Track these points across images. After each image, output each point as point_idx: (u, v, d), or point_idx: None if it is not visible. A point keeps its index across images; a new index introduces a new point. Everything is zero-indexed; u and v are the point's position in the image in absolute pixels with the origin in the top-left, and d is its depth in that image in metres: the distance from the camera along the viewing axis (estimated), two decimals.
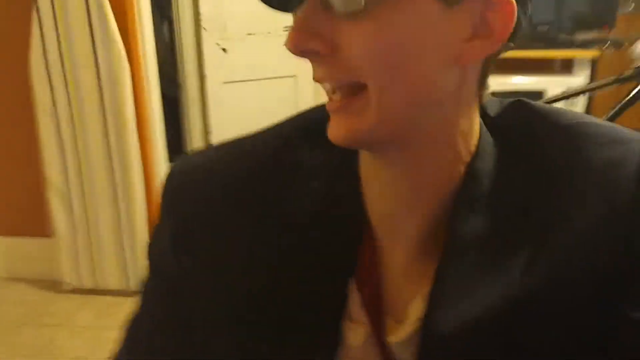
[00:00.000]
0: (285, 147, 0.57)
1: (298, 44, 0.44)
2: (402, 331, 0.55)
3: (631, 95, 2.55)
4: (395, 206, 0.54)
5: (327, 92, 0.48)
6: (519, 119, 0.56)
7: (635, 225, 0.49)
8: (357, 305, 0.55)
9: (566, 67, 3.80)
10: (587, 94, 2.89)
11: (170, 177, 0.59)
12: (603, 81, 2.63)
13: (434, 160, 0.51)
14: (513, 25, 0.45)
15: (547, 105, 0.57)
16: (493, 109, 0.57)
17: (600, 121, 0.55)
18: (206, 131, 3.16)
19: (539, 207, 0.51)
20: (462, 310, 0.50)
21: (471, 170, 0.52)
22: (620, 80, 2.55)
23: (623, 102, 2.58)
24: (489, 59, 0.48)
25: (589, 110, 3.28)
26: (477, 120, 0.53)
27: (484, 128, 0.55)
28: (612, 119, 2.59)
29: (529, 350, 0.50)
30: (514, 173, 0.53)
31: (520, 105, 0.57)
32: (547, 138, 0.54)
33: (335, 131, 0.48)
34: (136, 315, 0.64)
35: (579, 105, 3.41)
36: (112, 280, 2.43)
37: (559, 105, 3.45)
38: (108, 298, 2.42)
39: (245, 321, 0.56)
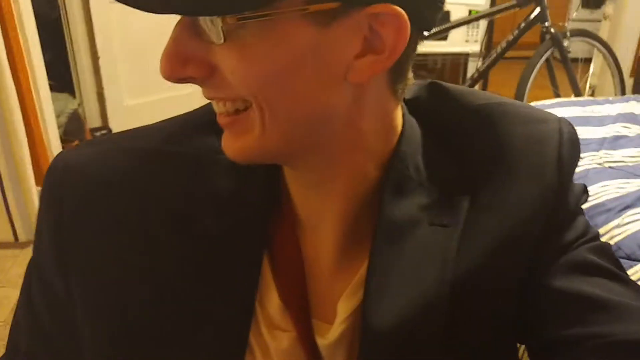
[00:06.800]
0: (192, 137, 0.53)
1: (172, 74, 0.41)
2: (334, 331, 0.51)
3: (531, 17, 2.61)
4: (312, 195, 0.51)
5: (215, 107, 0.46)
6: (433, 102, 0.55)
7: (560, 202, 0.51)
8: (278, 311, 0.51)
9: None
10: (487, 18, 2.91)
11: (52, 171, 0.52)
12: (504, 5, 2.67)
13: (345, 161, 0.49)
14: (406, 38, 0.42)
15: (460, 87, 0.56)
16: (409, 92, 0.56)
17: (515, 101, 0.56)
18: (94, 56, 2.91)
19: (470, 186, 0.51)
20: (398, 299, 0.49)
21: (397, 154, 0.51)
22: (520, 4, 2.59)
23: (523, 24, 2.64)
24: (401, 62, 0.44)
25: (490, 31, 3.32)
26: (396, 113, 0.51)
27: (406, 111, 0.53)
28: (513, 42, 2.65)
29: (464, 333, 0.50)
30: (440, 154, 0.52)
31: (433, 88, 0.56)
32: (460, 119, 0.54)
33: (227, 147, 0.46)
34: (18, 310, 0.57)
35: (480, 28, 3.46)
36: None
37: (463, 28, 3.49)
38: None
39: (139, 328, 0.50)
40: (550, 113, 0.55)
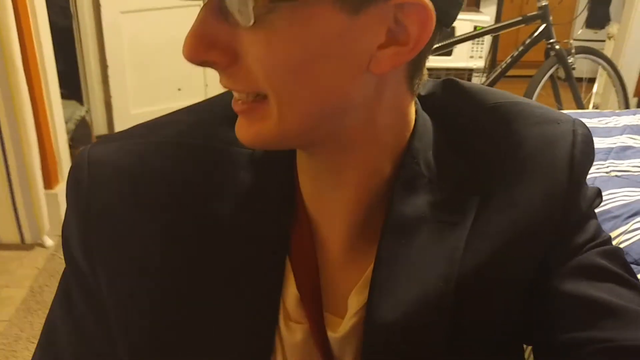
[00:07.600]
0: (210, 129, 0.53)
1: (196, 56, 0.41)
2: (344, 325, 0.51)
3: (536, 33, 2.64)
4: (324, 186, 0.51)
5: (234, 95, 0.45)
6: (447, 98, 0.55)
7: (570, 203, 0.51)
8: (295, 303, 0.51)
9: (473, 4, 3.87)
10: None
11: (78, 166, 0.51)
12: (510, 21, 2.70)
13: (359, 153, 0.49)
14: (431, 31, 0.41)
15: (477, 85, 0.56)
16: (424, 88, 0.56)
17: (530, 101, 0.55)
18: (103, 65, 2.94)
19: (480, 185, 0.51)
20: (403, 295, 0.49)
21: (409, 150, 0.50)
22: (525, 20, 2.63)
23: (528, 40, 2.67)
24: (420, 56, 0.44)
25: (494, 47, 3.35)
26: (411, 108, 0.51)
27: (420, 107, 0.53)
28: (518, 57, 2.68)
29: (470, 331, 0.50)
30: (452, 152, 0.52)
31: (449, 84, 0.56)
32: (475, 117, 0.54)
33: (241, 133, 0.46)
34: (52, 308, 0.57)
35: (485, 44, 3.49)
36: (5, 234, 2.25)
37: (467, 44, 3.51)
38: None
39: (166, 326, 0.50)
40: (565, 114, 0.55)
